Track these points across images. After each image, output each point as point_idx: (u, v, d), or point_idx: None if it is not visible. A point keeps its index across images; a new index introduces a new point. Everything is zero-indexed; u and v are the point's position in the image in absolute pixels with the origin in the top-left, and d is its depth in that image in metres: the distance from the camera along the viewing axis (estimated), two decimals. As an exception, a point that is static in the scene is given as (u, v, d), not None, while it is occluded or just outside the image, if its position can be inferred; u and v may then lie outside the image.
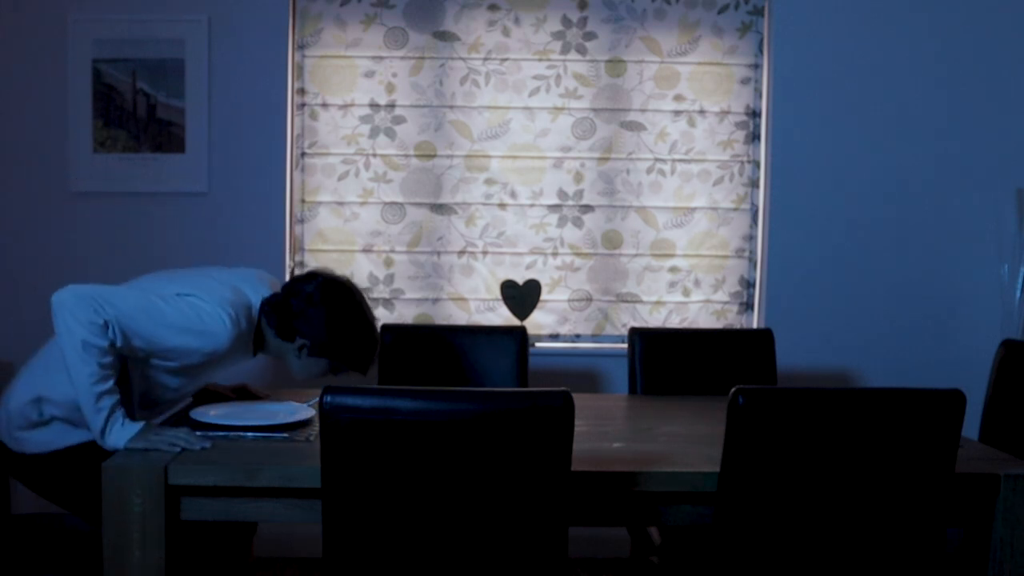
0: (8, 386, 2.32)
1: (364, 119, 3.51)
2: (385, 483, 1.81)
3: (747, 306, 3.64)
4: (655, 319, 3.62)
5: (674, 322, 3.62)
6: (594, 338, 3.62)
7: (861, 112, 3.54)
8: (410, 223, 3.55)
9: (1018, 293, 3.52)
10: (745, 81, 3.57)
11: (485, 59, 3.52)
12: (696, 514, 2.07)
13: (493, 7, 3.50)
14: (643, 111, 3.55)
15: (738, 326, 3.64)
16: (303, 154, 3.52)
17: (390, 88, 3.51)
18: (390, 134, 3.52)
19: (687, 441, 2.27)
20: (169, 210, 3.45)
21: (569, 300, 3.61)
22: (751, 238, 3.62)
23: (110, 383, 2.09)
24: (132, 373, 2.23)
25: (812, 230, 3.57)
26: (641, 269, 3.60)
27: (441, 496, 1.81)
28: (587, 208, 3.58)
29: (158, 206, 3.44)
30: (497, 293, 3.57)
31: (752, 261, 3.63)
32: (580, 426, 2.35)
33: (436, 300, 3.58)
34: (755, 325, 3.64)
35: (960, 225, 3.59)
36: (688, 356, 3.03)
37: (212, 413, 2.32)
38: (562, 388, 1.80)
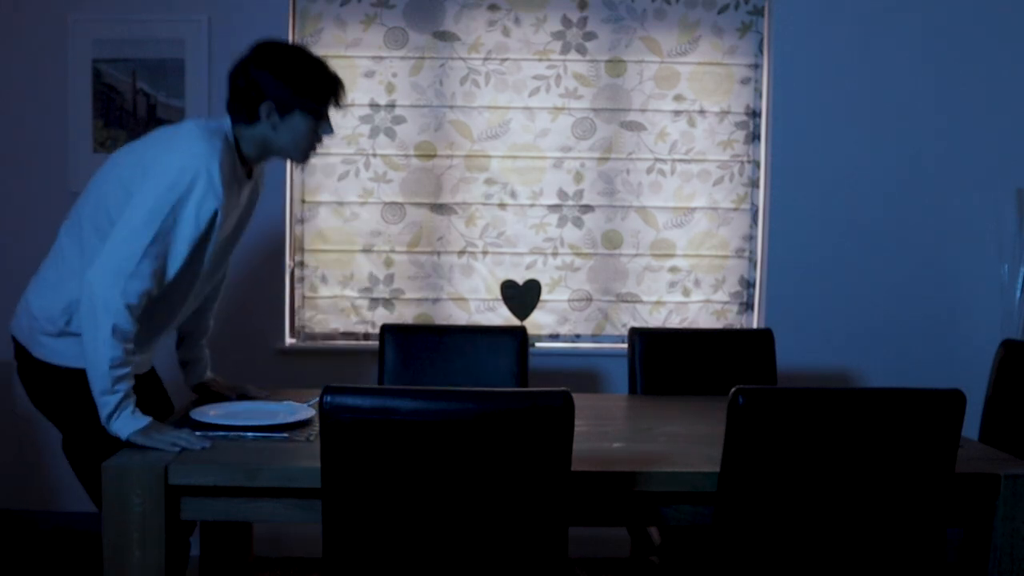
0: (31, 285, 2.27)
1: (364, 119, 3.51)
2: (385, 483, 1.81)
3: (747, 306, 3.64)
4: (655, 319, 3.62)
5: (674, 322, 3.62)
6: (594, 338, 3.62)
7: (861, 112, 3.54)
8: (410, 223, 3.55)
9: (1018, 293, 3.52)
10: (745, 81, 3.57)
11: (485, 59, 3.52)
12: (696, 514, 2.07)
13: (493, 7, 3.50)
14: (643, 111, 3.55)
15: (738, 326, 3.64)
16: (303, 154, 3.52)
17: (390, 88, 3.51)
18: (390, 134, 3.52)
19: (687, 441, 2.27)
20: (169, 210, 3.44)
21: (569, 300, 3.61)
22: (751, 238, 3.62)
23: (128, 369, 2.08)
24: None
25: (812, 230, 3.57)
26: (641, 269, 3.60)
27: (441, 496, 1.81)
28: (587, 208, 3.58)
29: (158, 206, 3.44)
30: (497, 293, 3.57)
31: (752, 261, 3.63)
32: (580, 426, 2.35)
33: (436, 300, 3.58)
34: (755, 325, 3.64)
35: (960, 225, 3.59)
36: (688, 356, 3.03)
37: (212, 413, 2.32)
38: (562, 388, 1.80)
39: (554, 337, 3.62)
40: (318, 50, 3.48)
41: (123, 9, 3.40)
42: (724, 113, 3.57)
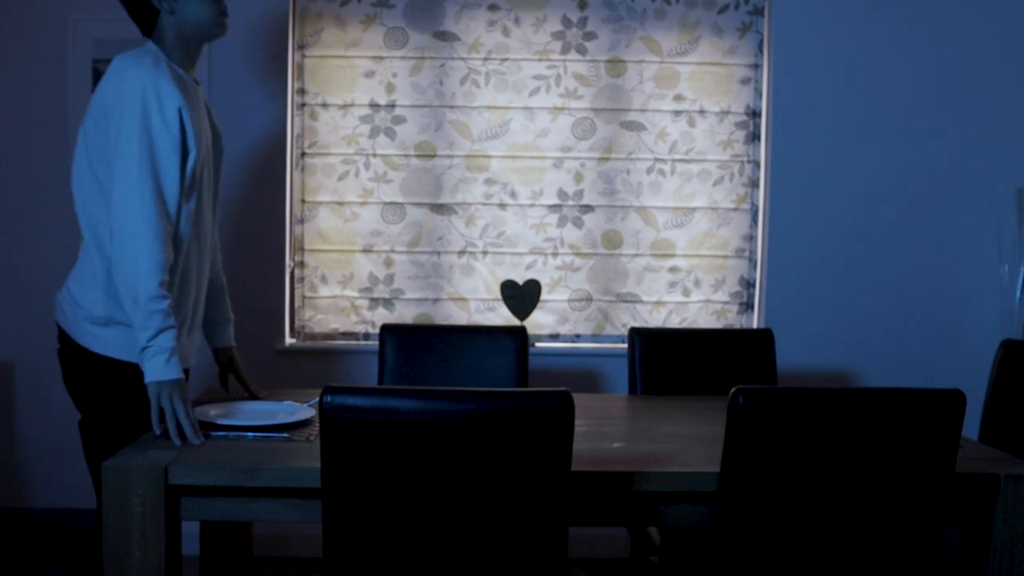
0: (75, 271, 2.29)
1: (364, 119, 3.51)
2: (385, 483, 1.81)
3: (747, 306, 3.64)
4: (655, 319, 3.62)
5: (674, 322, 3.62)
6: (594, 338, 3.62)
7: (861, 112, 3.54)
8: (410, 223, 3.55)
9: (1018, 293, 3.52)
10: (745, 81, 3.57)
11: (485, 59, 3.52)
12: (696, 514, 2.07)
13: (493, 7, 3.50)
14: (643, 111, 3.55)
15: (738, 326, 3.64)
16: (303, 154, 3.52)
17: (390, 88, 3.51)
18: (390, 134, 3.52)
19: (687, 441, 2.27)
20: (169, 210, 3.44)
21: (569, 300, 3.61)
22: (751, 238, 3.62)
23: (165, 305, 2.11)
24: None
25: (812, 230, 3.57)
26: (641, 269, 3.60)
27: (441, 496, 1.81)
28: (587, 208, 3.58)
29: (158, 206, 3.44)
30: (497, 293, 3.57)
31: (752, 261, 3.63)
32: (580, 426, 2.35)
33: (436, 300, 3.58)
34: (755, 325, 3.64)
35: (960, 225, 3.59)
36: (688, 356, 3.03)
37: (212, 413, 2.32)
38: (562, 388, 1.80)
39: (554, 337, 3.62)
40: (318, 50, 3.49)
41: (123, 9, 3.39)
42: (724, 113, 3.57)
